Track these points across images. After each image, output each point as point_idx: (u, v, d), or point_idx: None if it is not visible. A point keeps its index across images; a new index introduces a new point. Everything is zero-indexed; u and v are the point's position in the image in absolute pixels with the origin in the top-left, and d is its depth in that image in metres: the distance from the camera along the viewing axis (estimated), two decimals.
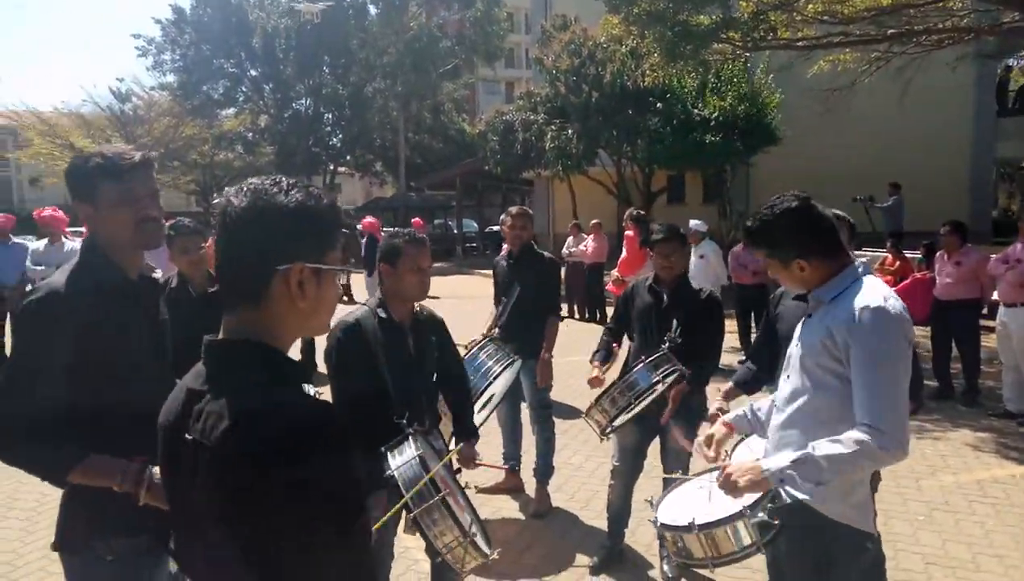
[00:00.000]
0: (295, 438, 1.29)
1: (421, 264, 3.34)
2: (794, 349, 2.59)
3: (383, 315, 3.34)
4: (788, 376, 2.60)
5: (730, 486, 2.39)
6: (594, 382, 4.49)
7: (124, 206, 2.24)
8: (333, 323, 3.32)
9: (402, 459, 2.89)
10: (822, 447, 2.24)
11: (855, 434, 2.22)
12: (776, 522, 2.45)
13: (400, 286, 3.36)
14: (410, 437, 2.99)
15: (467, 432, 3.70)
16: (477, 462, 3.62)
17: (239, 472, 1.29)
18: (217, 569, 1.40)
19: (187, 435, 1.39)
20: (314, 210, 1.45)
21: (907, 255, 13.98)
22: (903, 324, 2.30)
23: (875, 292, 2.34)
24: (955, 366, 8.57)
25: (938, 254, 8.74)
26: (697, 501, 2.76)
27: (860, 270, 2.46)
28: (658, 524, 2.75)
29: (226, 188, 1.48)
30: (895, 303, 2.33)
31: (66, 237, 9.78)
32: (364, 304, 3.46)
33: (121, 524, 2.17)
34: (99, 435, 2.13)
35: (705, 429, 2.96)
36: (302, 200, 1.43)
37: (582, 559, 4.67)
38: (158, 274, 2.50)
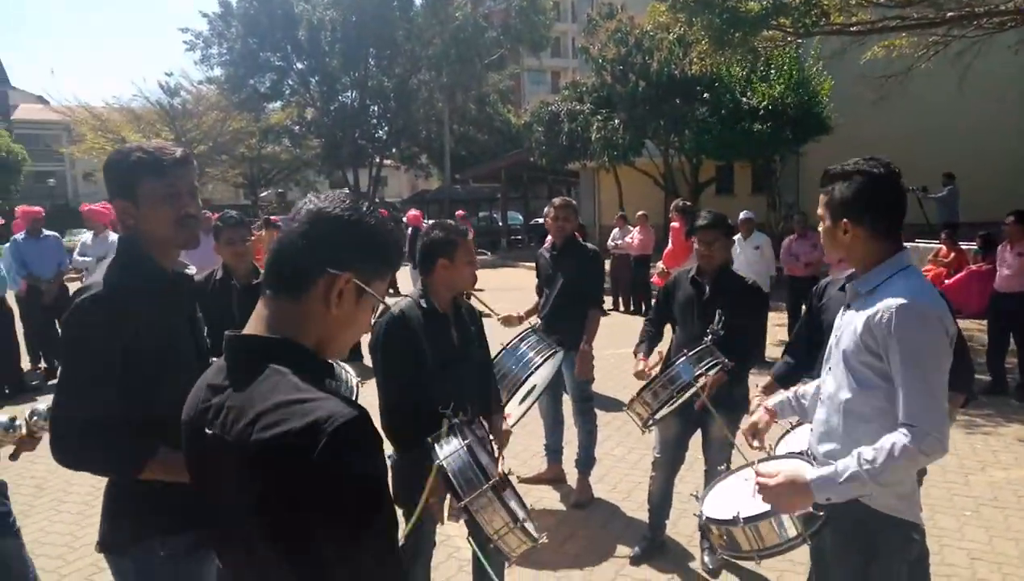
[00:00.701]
0: (315, 434, 1.27)
1: (473, 257, 3.45)
2: (834, 342, 2.56)
3: (426, 306, 3.37)
4: (830, 369, 2.56)
5: (773, 498, 2.37)
6: (639, 375, 4.49)
7: (166, 203, 2.22)
8: (378, 314, 3.38)
9: (449, 448, 2.92)
10: (863, 460, 2.21)
11: (895, 439, 2.19)
12: (821, 514, 2.42)
13: (456, 278, 3.41)
14: (456, 427, 3.03)
15: (492, 409, 3.70)
16: (517, 476, 3.60)
17: (260, 467, 1.30)
18: (253, 561, 1.41)
19: (207, 429, 1.41)
20: (385, 240, 1.53)
21: (962, 246, 13.67)
22: (942, 318, 2.26)
23: (913, 286, 2.29)
24: (1010, 360, 8.37)
25: (1001, 245, 8.50)
26: (741, 494, 2.74)
27: (902, 262, 2.39)
28: (703, 518, 2.74)
29: (311, 196, 1.54)
30: (933, 297, 2.28)
31: (112, 230, 10.01)
32: (407, 295, 3.50)
33: (168, 522, 2.17)
34: (150, 433, 2.13)
35: (747, 420, 2.94)
36: (379, 227, 1.51)
37: (623, 549, 4.68)
38: (192, 270, 2.48)
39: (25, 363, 9.65)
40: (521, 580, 4.31)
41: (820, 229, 2.55)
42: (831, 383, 2.53)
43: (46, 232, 9.77)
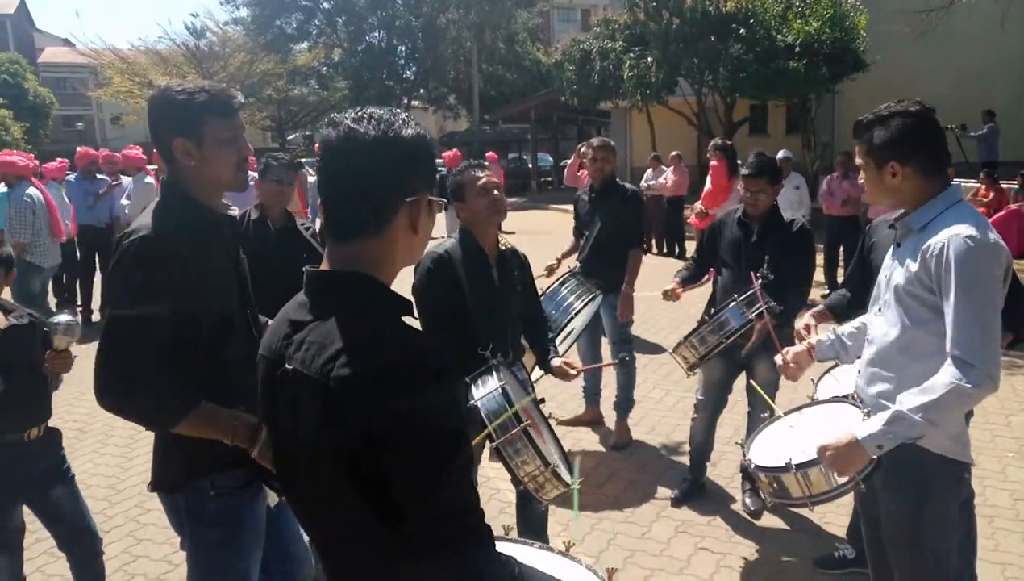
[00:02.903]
0: (400, 369, 1.29)
1: (486, 185, 3.35)
2: (883, 280, 2.54)
3: (470, 246, 3.39)
4: (880, 309, 2.54)
5: (835, 466, 2.37)
6: (668, 294, 4.52)
7: (228, 145, 2.22)
8: (424, 254, 3.40)
9: (485, 390, 2.92)
10: (911, 400, 2.21)
11: (944, 377, 2.18)
12: (874, 457, 2.44)
13: (474, 216, 3.40)
14: (494, 368, 3.04)
15: (547, 355, 3.68)
16: (575, 370, 3.58)
17: (341, 402, 1.29)
18: (325, 502, 1.41)
19: (287, 365, 1.40)
20: (429, 143, 1.51)
21: (1002, 185, 13.39)
22: (998, 253, 2.24)
23: (968, 219, 2.27)
24: None
25: None
26: (788, 440, 2.75)
27: (954, 196, 2.37)
28: (752, 466, 2.75)
29: (343, 115, 1.47)
30: (988, 231, 2.26)
31: (147, 174, 10.10)
32: (451, 237, 3.51)
33: (217, 461, 2.21)
34: (202, 379, 2.16)
35: (786, 353, 2.94)
36: (422, 133, 1.48)
37: (663, 491, 4.73)
38: (235, 212, 2.48)
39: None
40: (562, 521, 4.37)
41: (862, 179, 2.52)
42: (881, 323, 2.51)
43: (100, 176, 9.95)
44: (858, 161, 2.50)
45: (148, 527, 4.47)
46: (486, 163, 3.52)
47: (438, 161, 18.74)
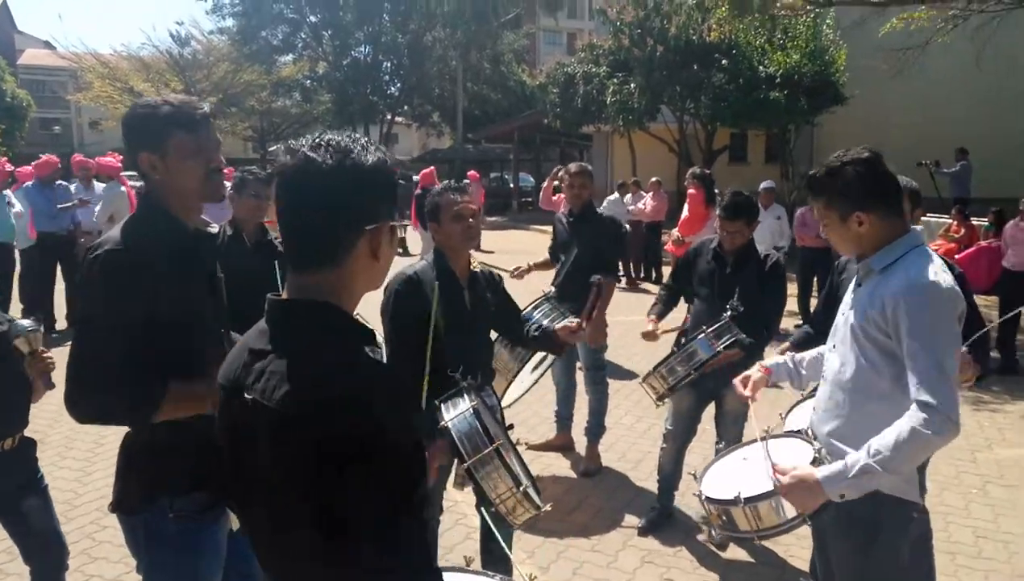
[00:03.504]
0: (360, 402, 1.28)
1: (462, 211, 3.34)
2: (841, 318, 2.56)
3: (442, 267, 3.38)
4: (835, 346, 2.56)
5: (785, 494, 2.36)
6: (648, 336, 4.52)
7: (196, 157, 2.21)
8: (391, 276, 3.39)
9: (456, 411, 2.92)
10: (877, 452, 2.19)
11: (904, 423, 2.18)
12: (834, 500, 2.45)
13: (447, 239, 3.39)
14: (464, 390, 3.04)
15: (548, 330, 3.75)
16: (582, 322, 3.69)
17: (301, 434, 1.28)
18: (282, 531, 1.40)
19: (247, 395, 1.38)
20: (390, 168, 1.47)
21: (973, 222, 13.60)
22: (953, 299, 2.26)
23: (927, 265, 2.29)
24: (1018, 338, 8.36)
25: (1010, 223, 8.42)
26: (740, 473, 2.76)
27: (915, 241, 2.40)
28: (703, 497, 2.75)
29: (294, 141, 1.44)
30: (946, 277, 2.27)
31: (120, 183, 9.97)
32: (423, 258, 3.51)
33: (178, 483, 2.19)
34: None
35: (743, 375, 2.97)
36: (383, 158, 1.45)
37: (631, 519, 4.73)
38: (214, 229, 2.47)
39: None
40: (527, 549, 4.36)
41: (825, 233, 2.54)
42: (836, 360, 2.52)
43: (60, 182, 9.76)
44: (819, 216, 2.51)
45: (104, 544, 4.38)
46: (467, 183, 3.51)
47: (414, 178, 18.86)
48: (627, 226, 12.64)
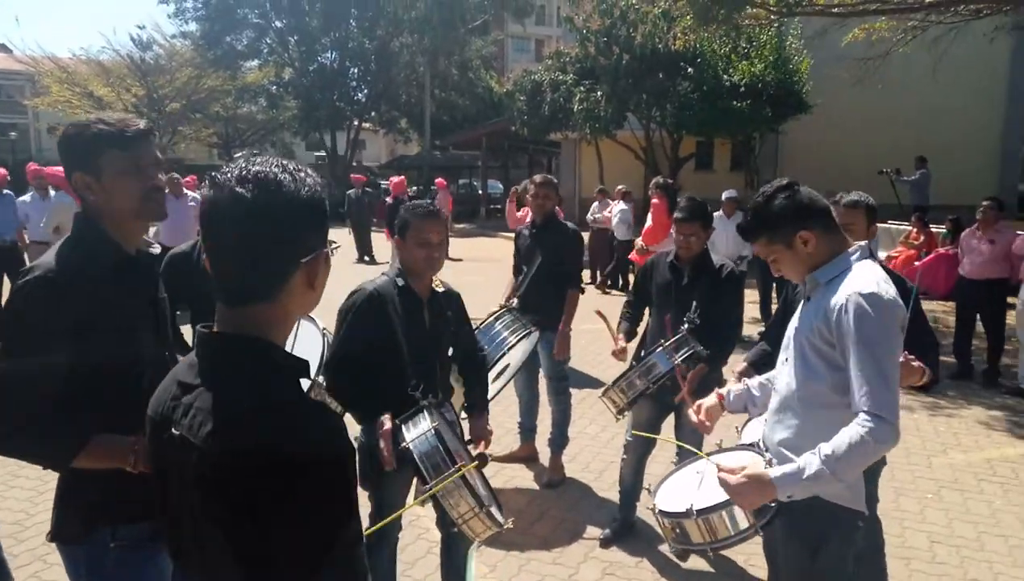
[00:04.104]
0: (288, 442, 1.25)
1: (429, 238, 3.30)
2: (791, 332, 2.62)
3: (402, 285, 3.37)
4: (785, 359, 2.62)
5: (735, 494, 2.39)
6: (618, 355, 4.54)
7: (130, 176, 2.14)
8: (355, 288, 3.39)
9: (417, 431, 2.94)
10: (824, 455, 2.24)
11: (851, 431, 2.23)
12: (773, 505, 2.46)
13: (409, 261, 3.37)
14: (425, 409, 3.04)
15: (478, 407, 3.67)
16: (490, 455, 3.58)
17: (225, 473, 1.26)
18: (208, 568, 1.39)
19: (174, 429, 1.36)
20: (321, 195, 1.43)
21: (932, 230, 13.87)
22: (895, 310, 2.32)
23: (869, 277, 2.36)
24: (978, 344, 8.50)
25: (966, 231, 8.56)
26: (694, 486, 2.79)
27: (857, 255, 2.46)
28: (656, 511, 2.78)
29: (218, 174, 1.37)
30: (888, 288, 2.34)
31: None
32: (385, 274, 3.49)
33: (119, 512, 2.13)
34: (100, 419, 2.07)
35: (697, 405, 2.99)
36: (314, 187, 1.41)
37: (593, 531, 4.75)
38: (156, 250, 2.42)
39: None
40: (489, 563, 4.36)
41: (777, 270, 2.60)
42: (786, 372, 2.59)
43: (5, 191, 9.63)
44: (764, 253, 2.56)
45: (55, 567, 4.26)
46: (435, 189, 3.46)
47: (382, 185, 18.76)
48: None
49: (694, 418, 2.96)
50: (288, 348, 1.48)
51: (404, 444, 2.90)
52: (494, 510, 2.98)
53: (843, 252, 2.47)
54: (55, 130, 44.59)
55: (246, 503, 1.24)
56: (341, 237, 21.37)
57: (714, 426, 2.95)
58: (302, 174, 1.40)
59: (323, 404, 1.43)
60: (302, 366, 1.42)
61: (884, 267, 2.83)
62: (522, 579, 4.26)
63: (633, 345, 4.70)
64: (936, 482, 5.48)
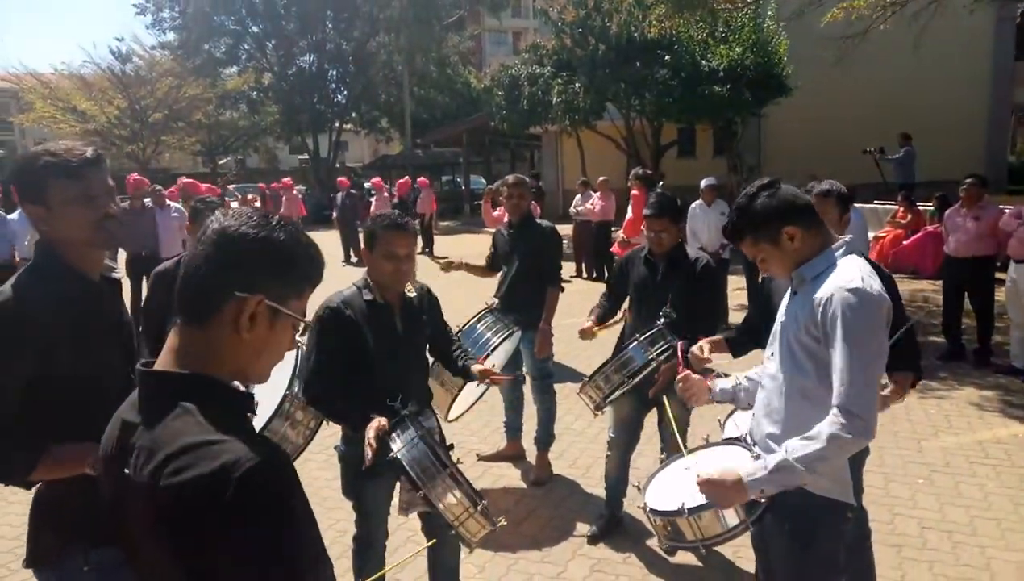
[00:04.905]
0: (223, 480, 1.23)
1: (397, 251, 3.21)
2: (778, 326, 2.60)
3: (368, 297, 3.29)
4: (772, 353, 2.60)
5: (710, 496, 2.41)
6: (585, 332, 4.50)
7: (79, 204, 2.15)
8: (322, 300, 3.31)
9: (403, 440, 2.93)
10: (795, 450, 2.25)
11: (825, 428, 2.23)
12: (763, 500, 2.47)
13: (375, 273, 3.29)
14: (406, 418, 3.02)
15: (467, 367, 3.70)
16: (495, 376, 3.70)
17: (167, 512, 1.26)
18: None
19: (125, 469, 1.36)
20: (299, 254, 1.45)
21: (919, 207, 13.83)
22: (881, 305, 2.30)
23: (854, 272, 2.34)
24: (967, 322, 8.43)
25: (950, 210, 8.46)
26: (683, 483, 2.76)
27: (842, 250, 2.45)
28: (647, 509, 2.76)
29: (219, 212, 1.47)
30: (873, 283, 2.32)
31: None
32: (355, 284, 3.41)
33: (92, 535, 2.13)
34: (62, 441, 2.09)
35: (682, 378, 2.95)
36: (286, 240, 1.42)
37: (581, 528, 4.70)
38: (118, 274, 2.45)
39: None
40: (477, 563, 4.30)
41: (764, 269, 2.60)
42: (772, 366, 2.58)
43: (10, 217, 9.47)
44: (752, 252, 2.55)
45: None
46: (405, 221, 3.33)
47: (366, 186, 18.83)
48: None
49: (678, 381, 2.94)
50: None
51: (392, 454, 2.88)
52: (487, 509, 2.99)
53: (828, 247, 2.45)
54: (42, 145, 44.77)
55: (190, 538, 1.24)
56: (329, 238, 21.58)
57: (693, 399, 2.90)
58: (288, 229, 1.44)
59: (263, 437, 1.42)
60: (243, 399, 1.45)
61: (868, 260, 2.80)
62: (511, 579, 4.22)
63: (612, 340, 4.64)
64: (927, 466, 5.42)
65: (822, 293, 2.32)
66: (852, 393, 2.21)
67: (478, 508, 2.83)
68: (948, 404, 6.73)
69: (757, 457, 2.51)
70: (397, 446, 2.89)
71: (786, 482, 2.29)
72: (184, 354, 1.40)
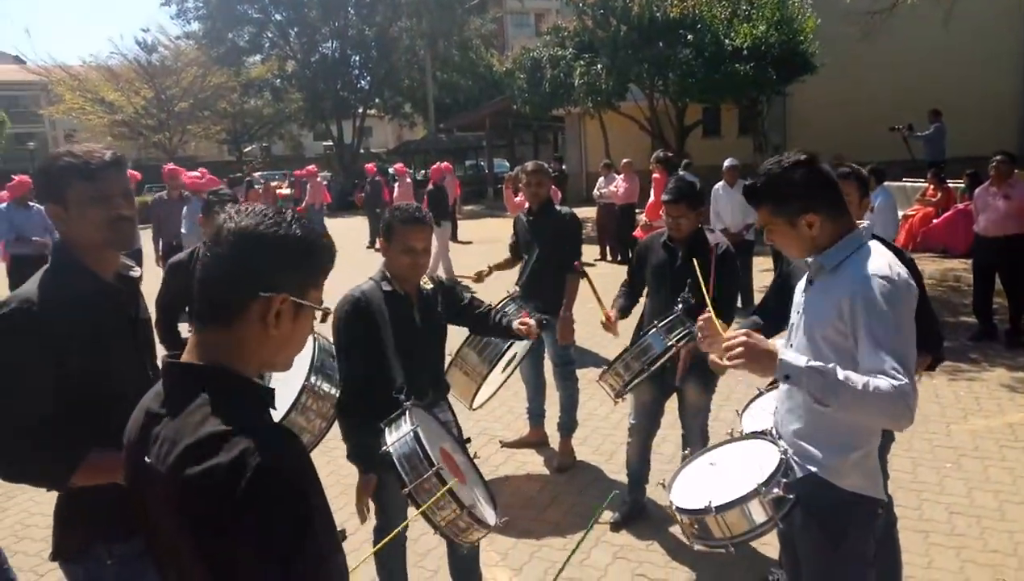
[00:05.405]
0: (241, 468, 1.28)
1: (413, 245, 3.21)
2: (796, 317, 2.53)
3: (387, 288, 3.28)
4: (792, 345, 2.53)
5: (737, 357, 2.25)
6: (608, 327, 4.47)
7: (95, 205, 2.20)
8: (341, 297, 3.31)
9: (397, 434, 2.89)
10: (846, 377, 2.15)
11: (886, 384, 2.13)
12: (791, 497, 2.43)
13: (392, 266, 3.29)
14: (407, 411, 2.98)
15: (508, 323, 3.73)
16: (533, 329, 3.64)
17: (189, 500, 1.30)
18: (186, 578, 1.42)
19: (146, 458, 1.41)
20: (312, 247, 1.49)
21: (949, 185, 13.57)
22: (909, 292, 2.25)
23: (880, 260, 2.27)
24: (999, 302, 8.28)
25: (979, 188, 8.26)
26: (709, 480, 2.73)
27: (864, 236, 2.38)
28: (674, 508, 2.72)
29: (230, 210, 1.48)
30: (899, 270, 2.26)
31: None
32: (372, 278, 3.41)
33: (115, 529, 2.19)
34: (89, 439, 2.14)
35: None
36: (302, 235, 1.47)
37: (605, 515, 4.66)
38: (136, 273, 2.47)
39: None
40: (500, 550, 4.31)
41: (771, 239, 2.50)
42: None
43: (34, 204, 9.57)
44: (766, 223, 2.47)
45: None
46: (422, 213, 3.31)
47: (390, 171, 18.90)
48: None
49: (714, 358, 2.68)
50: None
51: (385, 448, 2.86)
52: (479, 511, 2.90)
53: (849, 235, 2.37)
54: (71, 136, 45.67)
55: (210, 527, 1.29)
56: (354, 224, 21.71)
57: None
58: (298, 223, 1.47)
59: (285, 429, 1.48)
60: (264, 392, 1.49)
61: (889, 245, 2.72)
62: (534, 565, 4.23)
63: (632, 324, 4.61)
64: (955, 450, 5.33)
65: (846, 284, 2.26)
66: (900, 368, 2.15)
67: (465, 510, 2.75)
68: (978, 386, 6.62)
69: (785, 452, 2.50)
70: (391, 439, 2.87)
71: (812, 385, 2.17)
72: (209, 350, 1.44)
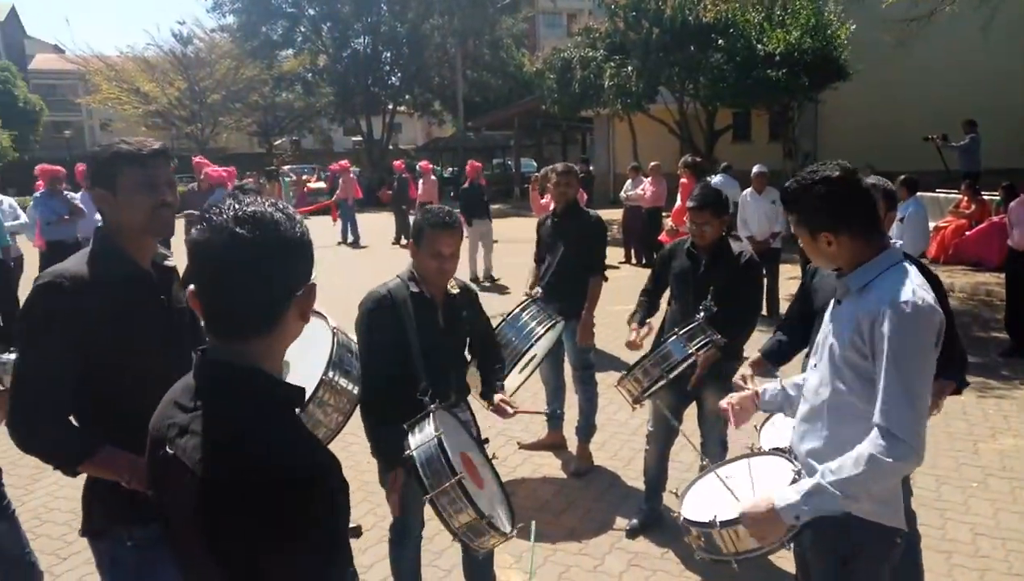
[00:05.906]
0: (269, 472, 1.29)
1: (442, 249, 3.19)
2: (822, 337, 2.48)
3: (415, 289, 3.27)
4: (815, 365, 2.48)
5: (751, 533, 2.35)
6: (631, 345, 4.41)
7: (143, 191, 2.29)
8: (366, 294, 3.30)
9: (421, 438, 2.88)
10: (832, 473, 2.17)
11: (865, 449, 2.13)
12: (797, 524, 2.36)
13: (421, 268, 3.28)
14: (431, 414, 2.96)
15: (493, 389, 3.58)
16: (512, 410, 3.48)
17: (217, 498, 1.31)
18: (199, 574, 1.45)
19: (168, 448, 1.41)
20: (304, 229, 1.48)
21: (984, 197, 13.35)
22: (932, 318, 2.17)
23: (905, 284, 2.21)
24: None
25: (1014, 202, 8.13)
26: (720, 494, 2.69)
27: (893, 258, 2.31)
28: (682, 519, 2.70)
29: (222, 215, 1.40)
30: (926, 295, 2.19)
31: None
32: (399, 276, 3.38)
33: (135, 514, 2.23)
34: (115, 426, 2.19)
35: (731, 398, 2.85)
36: (302, 224, 1.47)
37: (621, 521, 4.65)
38: (172, 262, 2.53)
39: None
40: (514, 553, 4.29)
41: (801, 244, 2.46)
42: (815, 379, 2.46)
43: (71, 194, 9.67)
44: (794, 230, 2.43)
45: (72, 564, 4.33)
46: (452, 218, 3.27)
47: (417, 168, 18.96)
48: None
49: (723, 404, 2.83)
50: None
51: (408, 452, 2.85)
52: (498, 520, 2.90)
53: (877, 257, 2.31)
54: (107, 126, 46.33)
55: (237, 527, 1.30)
56: (380, 219, 21.77)
57: (741, 420, 2.81)
58: (291, 213, 1.46)
59: (310, 432, 1.49)
60: (294, 393, 1.49)
61: (917, 264, 2.64)
62: (547, 570, 4.19)
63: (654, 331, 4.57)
64: (982, 470, 5.22)
65: (871, 307, 2.21)
66: (895, 413, 2.11)
67: (484, 519, 2.75)
68: (1008, 404, 6.49)
69: (798, 472, 2.44)
70: (414, 443, 2.86)
71: (823, 507, 2.19)
72: (241, 354, 1.43)
